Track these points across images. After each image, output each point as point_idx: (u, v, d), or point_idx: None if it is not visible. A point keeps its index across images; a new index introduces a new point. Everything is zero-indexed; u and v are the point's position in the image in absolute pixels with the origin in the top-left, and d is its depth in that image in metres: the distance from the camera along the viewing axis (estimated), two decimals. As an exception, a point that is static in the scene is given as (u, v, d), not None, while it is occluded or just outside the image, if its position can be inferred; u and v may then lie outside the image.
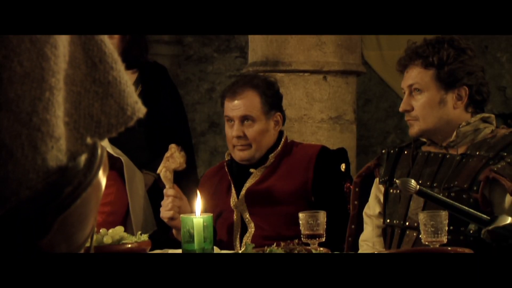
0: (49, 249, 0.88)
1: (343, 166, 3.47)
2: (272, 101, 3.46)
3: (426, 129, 3.00)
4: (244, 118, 3.42)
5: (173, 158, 3.21)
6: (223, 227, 3.43)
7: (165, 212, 3.21)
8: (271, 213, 3.37)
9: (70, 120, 0.89)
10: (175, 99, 4.24)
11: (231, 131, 3.44)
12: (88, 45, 0.93)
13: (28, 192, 0.85)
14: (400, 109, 3.06)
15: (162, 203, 3.22)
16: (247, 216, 3.40)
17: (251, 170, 3.44)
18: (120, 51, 4.01)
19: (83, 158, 0.89)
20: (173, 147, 3.25)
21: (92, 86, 0.92)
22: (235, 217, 3.42)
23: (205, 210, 2.79)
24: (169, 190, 3.20)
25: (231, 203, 3.44)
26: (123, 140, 3.69)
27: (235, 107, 3.42)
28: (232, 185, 3.46)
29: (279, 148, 3.45)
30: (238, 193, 3.44)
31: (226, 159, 3.55)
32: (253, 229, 3.37)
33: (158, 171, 3.24)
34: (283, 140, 3.48)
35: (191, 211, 3.12)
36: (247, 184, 3.43)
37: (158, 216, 3.38)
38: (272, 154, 3.44)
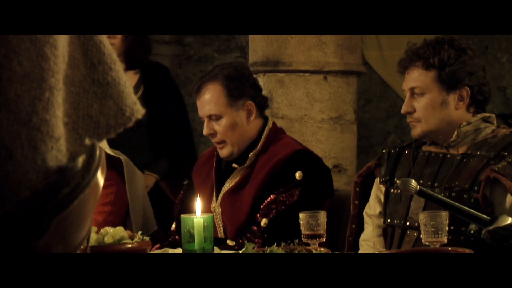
0: (45, 250, 0.88)
1: (299, 174, 3.14)
2: (238, 90, 3.19)
3: (428, 130, 3.00)
4: (210, 116, 3.20)
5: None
6: None
7: None
8: (237, 223, 3.16)
9: (69, 121, 0.89)
10: (177, 100, 4.24)
11: None
12: (87, 45, 0.94)
13: (28, 192, 0.85)
14: (402, 111, 3.06)
15: None
16: (220, 223, 3.22)
17: (234, 165, 3.24)
18: (122, 52, 4.00)
19: (81, 159, 0.89)
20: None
21: (91, 87, 0.92)
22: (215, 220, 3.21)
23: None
24: None
25: (211, 204, 3.26)
26: (125, 141, 3.70)
27: (200, 105, 3.23)
28: (214, 186, 3.27)
29: (258, 146, 3.19)
30: (218, 193, 3.26)
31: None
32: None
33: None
34: (264, 135, 3.22)
35: None
36: (225, 187, 3.23)
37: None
38: (252, 153, 3.20)
